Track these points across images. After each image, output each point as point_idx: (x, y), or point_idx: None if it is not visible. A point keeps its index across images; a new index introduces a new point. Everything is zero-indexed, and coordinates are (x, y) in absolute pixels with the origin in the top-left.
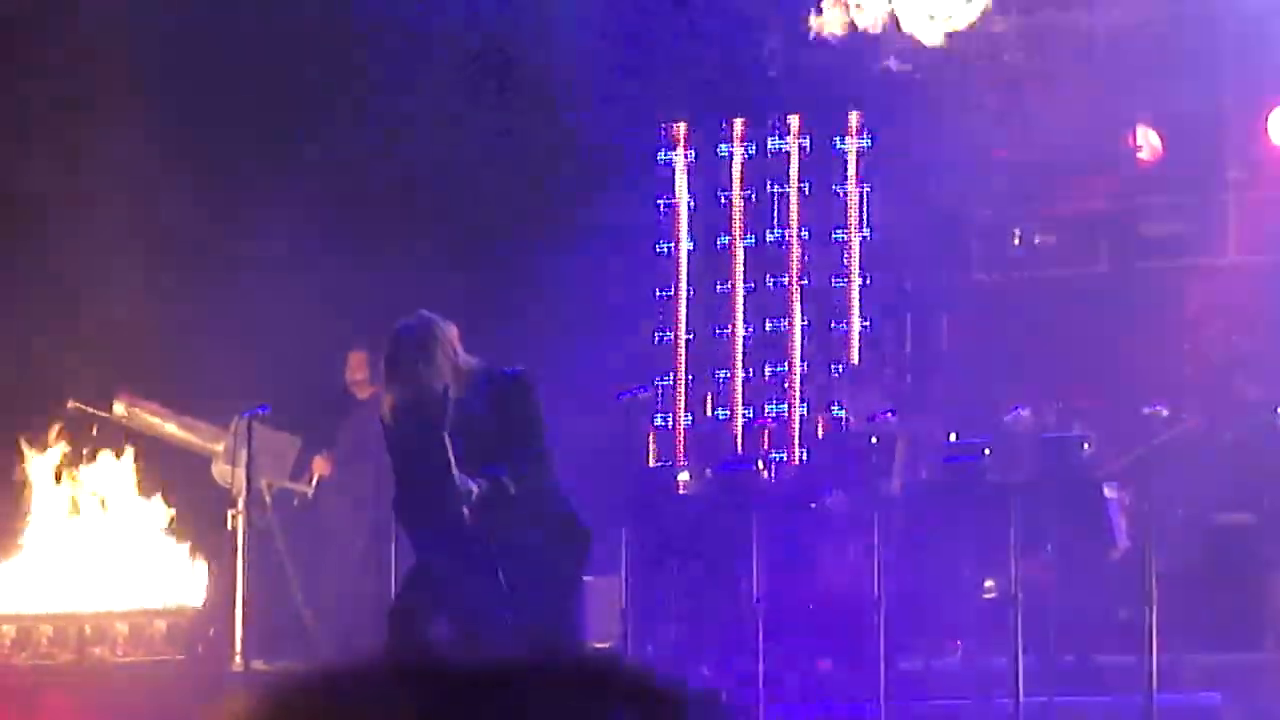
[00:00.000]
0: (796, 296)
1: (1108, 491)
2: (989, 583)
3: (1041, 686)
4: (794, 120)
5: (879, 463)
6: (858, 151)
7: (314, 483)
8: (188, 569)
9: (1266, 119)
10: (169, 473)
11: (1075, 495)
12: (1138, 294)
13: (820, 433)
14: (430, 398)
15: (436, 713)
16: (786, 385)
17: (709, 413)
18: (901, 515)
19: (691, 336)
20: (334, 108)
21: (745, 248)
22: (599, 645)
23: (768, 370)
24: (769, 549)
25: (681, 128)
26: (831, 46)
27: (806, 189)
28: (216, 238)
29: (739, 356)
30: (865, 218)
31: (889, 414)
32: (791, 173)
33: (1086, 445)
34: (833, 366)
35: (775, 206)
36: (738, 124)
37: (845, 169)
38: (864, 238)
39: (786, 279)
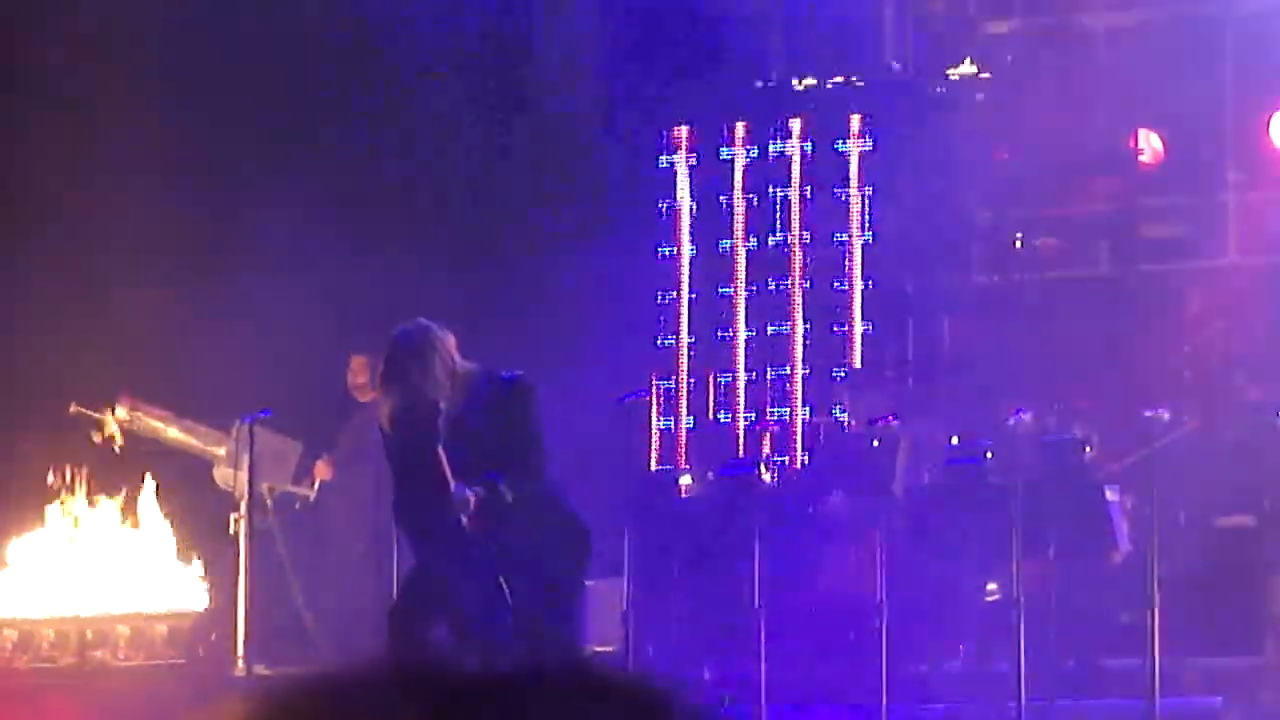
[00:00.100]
0: (798, 300)
1: (1109, 494)
2: (991, 586)
3: (1043, 689)
4: (796, 124)
5: (881, 466)
6: (859, 155)
7: (315, 486)
8: (189, 572)
9: (1267, 121)
10: (170, 476)
11: (1077, 498)
12: (1139, 296)
13: (822, 436)
14: (427, 406)
15: (436, 717)
16: (788, 388)
17: (711, 416)
18: (903, 518)
19: (694, 340)
20: (335, 111)
21: (747, 251)
22: (600, 649)
23: (770, 373)
24: (770, 552)
25: (683, 131)
26: (833, 49)
27: (808, 192)
28: (218, 240)
29: (741, 360)
30: (867, 221)
31: (891, 417)
32: (793, 176)
33: (1088, 448)
34: (834, 370)
35: (777, 210)
36: (739, 128)
37: (847, 172)
38: (866, 241)
39: (788, 282)
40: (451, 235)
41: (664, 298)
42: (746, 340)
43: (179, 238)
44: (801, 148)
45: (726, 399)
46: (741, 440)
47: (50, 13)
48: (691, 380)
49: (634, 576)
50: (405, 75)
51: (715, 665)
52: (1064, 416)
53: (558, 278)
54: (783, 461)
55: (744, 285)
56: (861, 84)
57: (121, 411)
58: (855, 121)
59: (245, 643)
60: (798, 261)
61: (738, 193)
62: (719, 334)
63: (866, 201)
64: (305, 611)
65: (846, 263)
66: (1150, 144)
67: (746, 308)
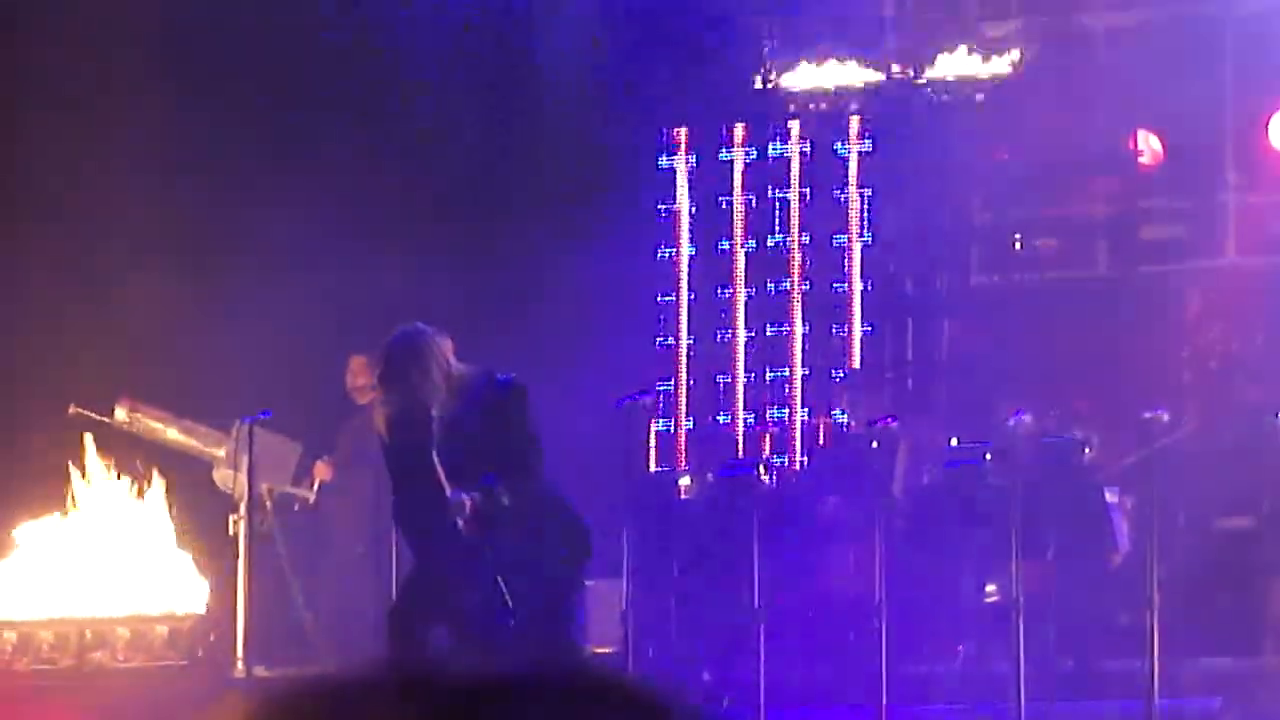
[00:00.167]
0: (798, 301)
1: (1109, 496)
2: (990, 587)
3: (1043, 691)
4: (795, 125)
5: (880, 467)
6: (858, 156)
7: (315, 487)
8: (188, 574)
9: (1266, 123)
10: (170, 478)
11: (1076, 499)
12: (1138, 297)
13: (822, 437)
14: (422, 412)
15: (436, 718)
16: (788, 390)
17: (710, 417)
18: (903, 519)
19: (693, 341)
20: (335, 112)
21: (746, 253)
22: (600, 650)
23: (769, 375)
24: (770, 553)
25: (683, 133)
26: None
27: (807, 194)
28: (217, 240)
29: (740, 361)
30: (866, 222)
31: (890, 418)
32: (792, 178)
33: (1087, 449)
34: (834, 371)
35: (776, 211)
36: (739, 129)
37: (846, 174)
38: (865, 242)
39: (788, 284)
40: (451, 236)
41: (663, 299)
42: (746, 341)
43: (179, 238)
44: (800, 149)
45: (726, 400)
46: (741, 441)
47: (50, 11)
48: (691, 381)
49: (634, 577)
50: (406, 76)
51: (715, 666)
52: (1063, 418)
53: (557, 279)
54: (782, 462)
55: (743, 286)
56: (860, 86)
57: (121, 413)
58: (854, 123)
59: (245, 644)
60: (797, 263)
61: (737, 194)
62: (718, 335)
63: (865, 203)
64: (305, 613)
65: (846, 264)
66: (1150, 145)
67: (746, 309)
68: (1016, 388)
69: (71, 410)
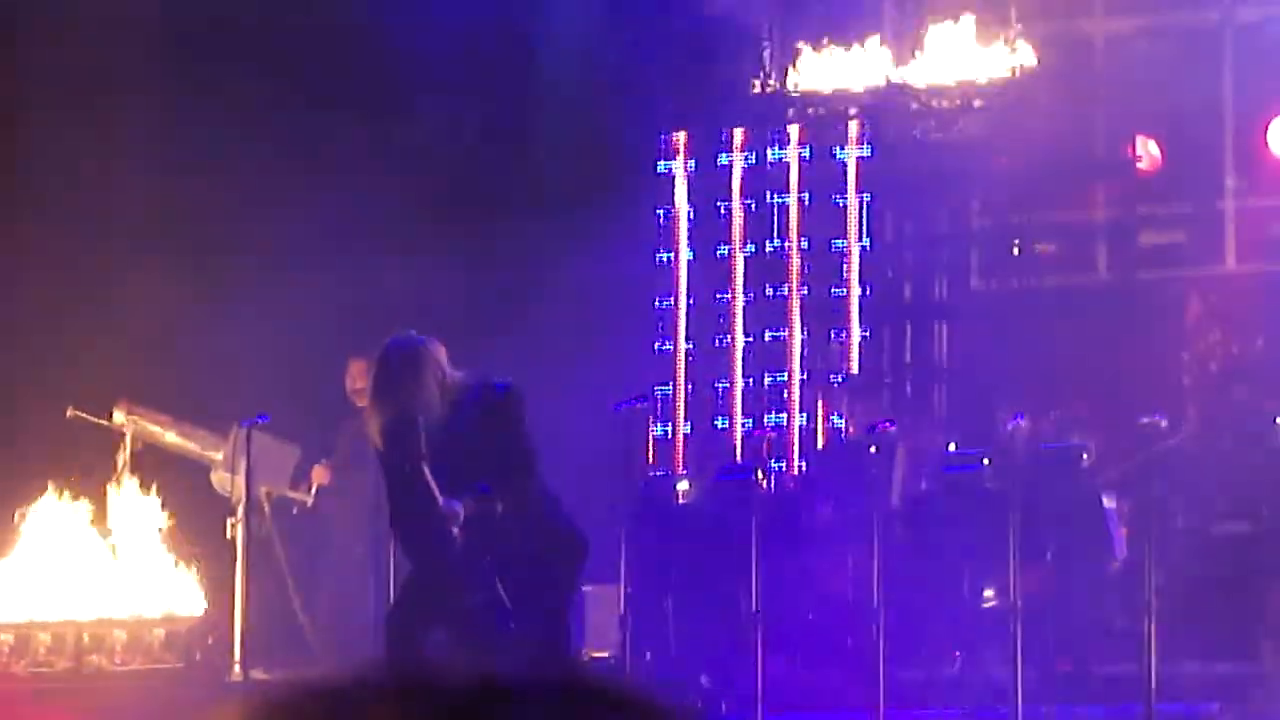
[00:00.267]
0: (796, 306)
1: (1106, 501)
2: (988, 592)
3: (1041, 695)
4: (794, 130)
5: (878, 473)
6: (857, 161)
7: (313, 491)
8: (186, 577)
9: (1265, 128)
10: (168, 481)
11: (1074, 505)
12: (1137, 303)
13: (820, 442)
14: (414, 421)
15: None
16: (786, 395)
17: (709, 422)
18: (901, 524)
19: (691, 346)
20: (335, 116)
21: (745, 257)
22: (598, 654)
23: (767, 380)
24: (768, 558)
25: (681, 137)
26: (831, 55)
27: (806, 198)
28: (216, 243)
29: (739, 366)
30: (865, 227)
31: (889, 423)
32: (791, 182)
33: (1085, 455)
34: (832, 376)
35: (775, 216)
36: (738, 133)
37: (845, 178)
38: (863, 247)
39: (786, 288)
40: (450, 239)
41: (662, 303)
42: (744, 346)
43: (178, 239)
44: (799, 154)
45: (724, 405)
46: (739, 446)
47: (50, 9)
48: (689, 386)
49: (631, 581)
50: (406, 79)
51: (713, 670)
52: (1062, 423)
53: (556, 282)
54: (780, 467)
55: (742, 291)
56: (860, 90)
57: (119, 415)
58: (853, 128)
59: (242, 647)
60: (795, 267)
61: (736, 199)
62: (716, 340)
63: (864, 208)
64: (303, 616)
65: (844, 269)
66: (1149, 151)
67: (744, 313)
68: (1015, 393)
69: (70, 413)
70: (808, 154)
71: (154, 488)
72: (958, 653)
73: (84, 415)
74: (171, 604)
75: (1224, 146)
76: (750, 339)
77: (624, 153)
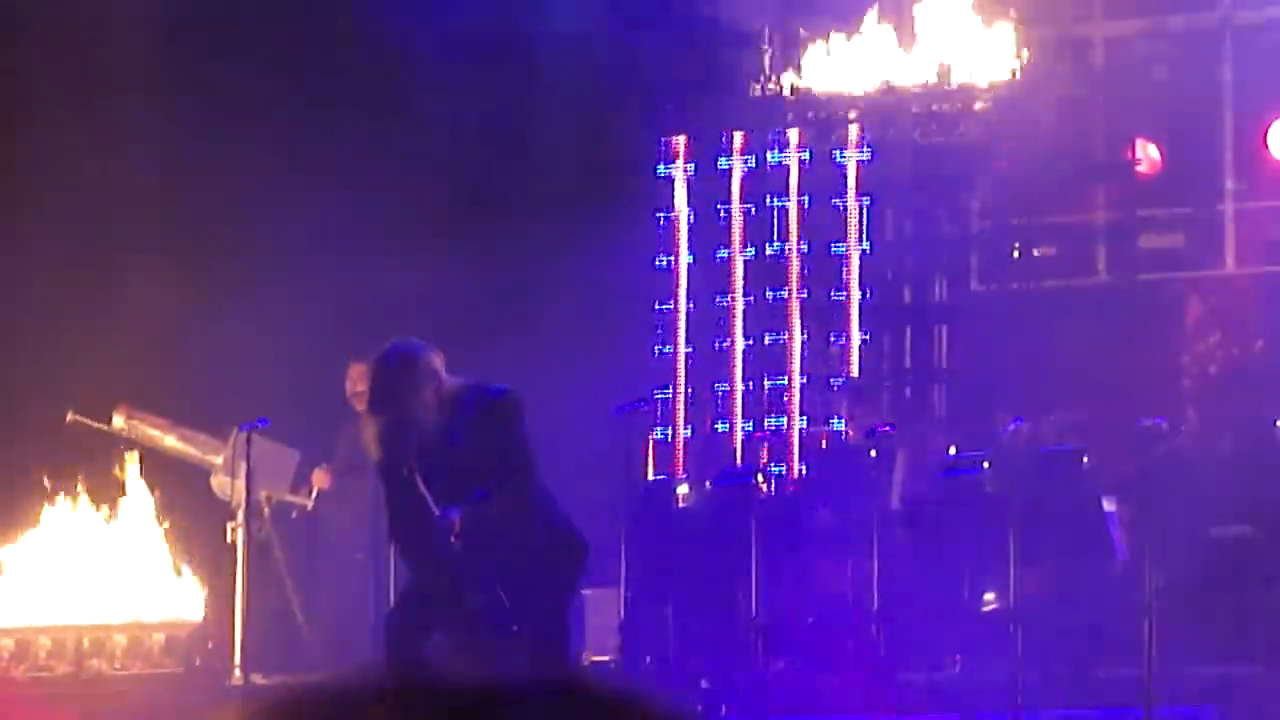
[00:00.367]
0: (796, 309)
1: (1106, 504)
2: (988, 595)
3: (1040, 699)
4: (793, 133)
5: (878, 476)
6: (857, 164)
7: (313, 495)
8: (186, 581)
9: (1265, 131)
10: (167, 485)
11: (1074, 508)
12: (1137, 305)
13: (820, 446)
14: (409, 430)
15: None
16: (786, 398)
17: (708, 426)
18: (900, 528)
19: (691, 349)
20: (335, 122)
21: (745, 261)
22: (598, 658)
23: (767, 383)
24: (768, 561)
25: (681, 141)
26: (830, 58)
27: (806, 202)
28: (216, 247)
29: (738, 369)
30: (865, 230)
31: (888, 427)
32: (791, 185)
33: (1085, 458)
34: (832, 379)
35: (775, 219)
36: (737, 137)
37: (845, 182)
38: (863, 251)
39: (786, 292)
40: (450, 243)
41: (662, 307)
42: (744, 349)
43: (178, 243)
44: (799, 157)
45: (724, 408)
46: (739, 450)
47: (49, 9)
48: (689, 389)
49: (631, 586)
50: (405, 83)
51: (713, 674)
52: (1061, 426)
53: (555, 286)
54: (780, 471)
55: (742, 294)
56: (860, 94)
57: (119, 420)
58: (853, 131)
59: (242, 651)
60: (795, 271)
61: (735, 202)
62: (716, 343)
63: (864, 211)
64: (303, 620)
65: (844, 272)
66: (1148, 154)
67: (744, 317)
68: (1015, 396)
69: (70, 417)
70: (807, 157)
71: (153, 492)
72: (958, 656)
73: (84, 420)
74: (171, 608)
75: (1224, 149)
76: (750, 342)
77: (624, 156)
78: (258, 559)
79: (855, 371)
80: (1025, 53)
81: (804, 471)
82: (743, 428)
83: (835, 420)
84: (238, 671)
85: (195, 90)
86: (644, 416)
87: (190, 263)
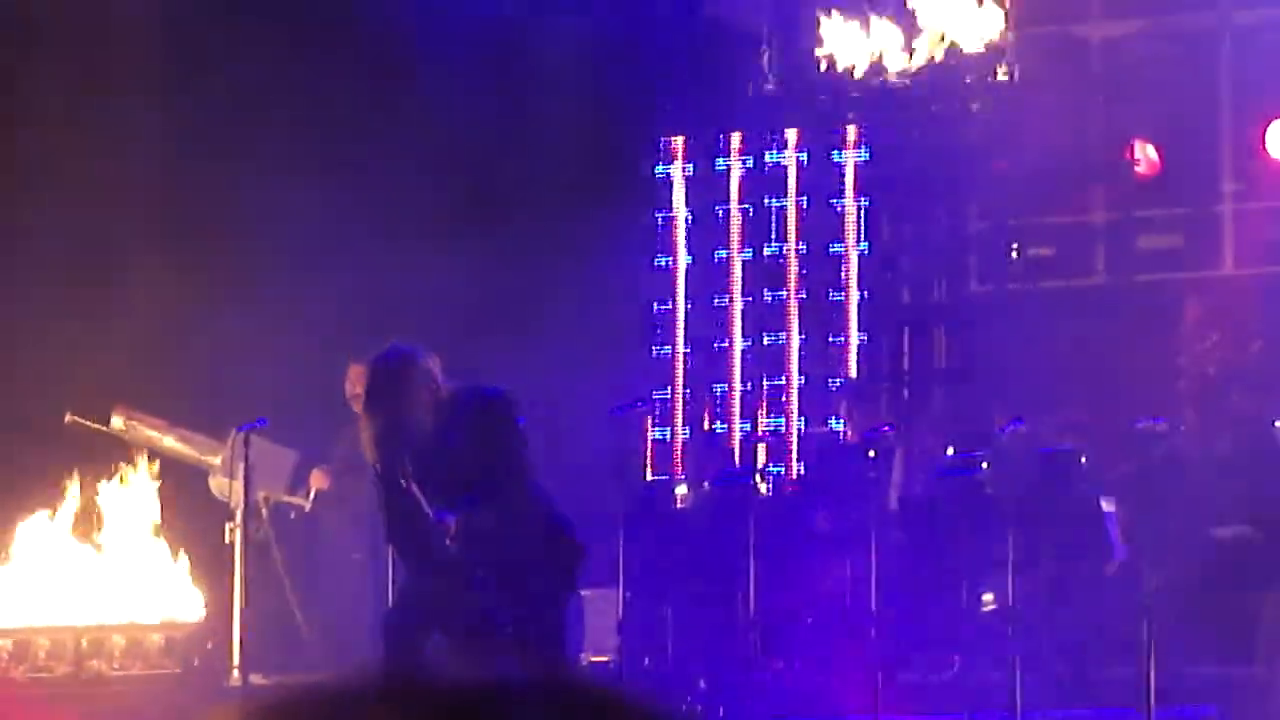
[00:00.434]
0: (794, 310)
1: (1105, 505)
2: (987, 596)
3: (1039, 700)
4: (791, 134)
5: (877, 477)
6: (855, 165)
7: (311, 496)
8: (185, 582)
9: (1263, 132)
10: (166, 486)
11: (1072, 508)
12: (1135, 306)
13: (818, 447)
14: (404, 434)
15: None
16: (784, 399)
17: (707, 426)
18: (899, 529)
19: (689, 350)
20: (332, 124)
21: (743, 261)
22: (596, 659)
23: (765, 384)
24: (766, 562)
25: (679, 141)
26: (830, 60)
27: (804, 203)
28: (214, 248)
29: (737, 370)
30: (863, 231)
31: (887, 427)
32: (789, 186)
33: (1083, 458)
34: (830, 380)
35: (773, 220)
36: (735, 138)
37: (843, 182)
38: (861, 251)
39: (784, 293)
40: (447, 244)
41: (660, 307)
42: (742, 350)
43: (176, 243)
44: (797, 158)
45: (722, 409)
46: (737, 450)
47: (50, 5)
48: (687, 390)
49: (629, 586)
50: (403, 86)
51: (711, 675)
52: (1060, 427)
53: (554, 287)
54: (778, 472)
55: (740, 295)
56: (858, 94)
57: (117, 421)
58: (851, 132)
59: (241, 652)
60: (794, 271)
61: (734, 203)
62: (715, 344)
63: (862, 212)
64: (301, 620)
65: (842, 273)
66: (1146, 154)
67: (742, 318)
68: (1013, 397)
69: (68, 419)
70: (805, 158)
71: (152, 493)
72: (956, 656)
73: (82, 421)
74: (170, 609)
75: (1222, 149)
76: (748, 343)
77: (622, 156)
78: (256, 560)
79: (853, 372)
80: (1023, 53)
81: (802, 472)
82: (741, 428)
83: (834, 421)
84: (236, 672)
85: (194, 91)
86: (642, 417)
87: (189, 263)
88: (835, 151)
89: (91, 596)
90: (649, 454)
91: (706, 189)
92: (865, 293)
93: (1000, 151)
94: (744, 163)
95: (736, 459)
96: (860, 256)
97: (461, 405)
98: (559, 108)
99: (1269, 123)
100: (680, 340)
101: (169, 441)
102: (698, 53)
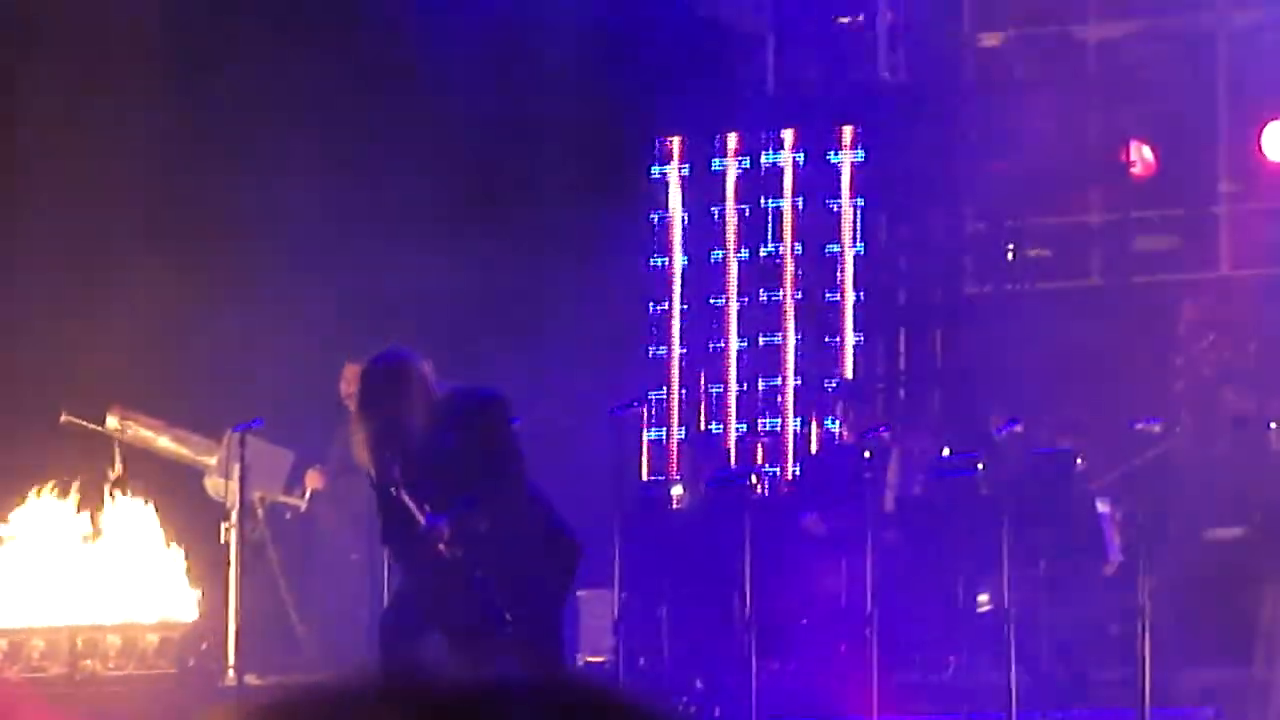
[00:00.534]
0: (790, 311)
1: (1100, 506)
2: (982, 597)
3: (1035, 701)
4: (788, 135)
5: (872, 477)
6: (851, 166)
7: (307, 496)
8: (180, 582)
9: (1259, 133)
10: (161, 486)
11: (1068, 510)
12: (1131, 307)
13: (814, 447)
14: (396, 439)
15: None
16: (780, 400)
17: (703, 427)
18: (895, 529)
19: (685, 351)
20: (333, 121)
21: (739, 262)
22: (592, 659)
23: (761, 384)
24: (762, 563)
25: (676, 142)
26: (827, 61)
27: (800, 203)
28: (210, 248)
29: (733, 371)
30: (859, 232)
31: (882, 428)
32: (785, 187)
33: (1079, 459)
34: (826, 381)
35: (769, 221)
36: (731, 138)
37: (839, 183)
38: (857, 252)
39: (780, 293)
40: (444, 244)
41: (656, 308)
42: (738, 351)
43: (172, 243)
44: (793, 159)
45: (718, 410)
46: (733, 451)
47: (50, 3)
48: (683, 391)
49: (625, 587)
50: (401, 89)
51: (707, 676)
52: (1055, 428)
53: (550, 287)
54: (774, 472)
55: (736, 296)
56: (854, 95)
57: (112, 420)
58: (847, 133)
59: (236, 652)
60: (790, 272)
61: (730, 203)
62: (711, 345)
63: (858, 212)
64: (297, 620)
65: (838, 274)
66: (1143, 155)
67: (738, 318)
68: (1009, 398)
69: (63, 419)
70: (802, 159)
71: (147, 493)
72: (952, 657)
73: (77, 421)
74: (165, 609)
75: (1218, 151)
76: (744, 344)
77: (618, 157)
78: (252, 560)
79: (849, 373)
80: (1020, 54)
81: (798, 473)
82: (737, 429)
83: (829, 421)
84: (231, 672)
85: (194, 91)
86: (638, 418)
87: (186, 263)
88: (831, 152)
89: (87, 596)
90: (645, 455)
91: (703, 189)
92: (861, 293)
93: (997, 152)
94: (740, 163)
95: (732, 459)
96: (856, 257)
97: (456, 407)
98: (556, 108)
99: (1265, 124)
100: (676, 341)
101: (164, 441)
102: (694, 53)
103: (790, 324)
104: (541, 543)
